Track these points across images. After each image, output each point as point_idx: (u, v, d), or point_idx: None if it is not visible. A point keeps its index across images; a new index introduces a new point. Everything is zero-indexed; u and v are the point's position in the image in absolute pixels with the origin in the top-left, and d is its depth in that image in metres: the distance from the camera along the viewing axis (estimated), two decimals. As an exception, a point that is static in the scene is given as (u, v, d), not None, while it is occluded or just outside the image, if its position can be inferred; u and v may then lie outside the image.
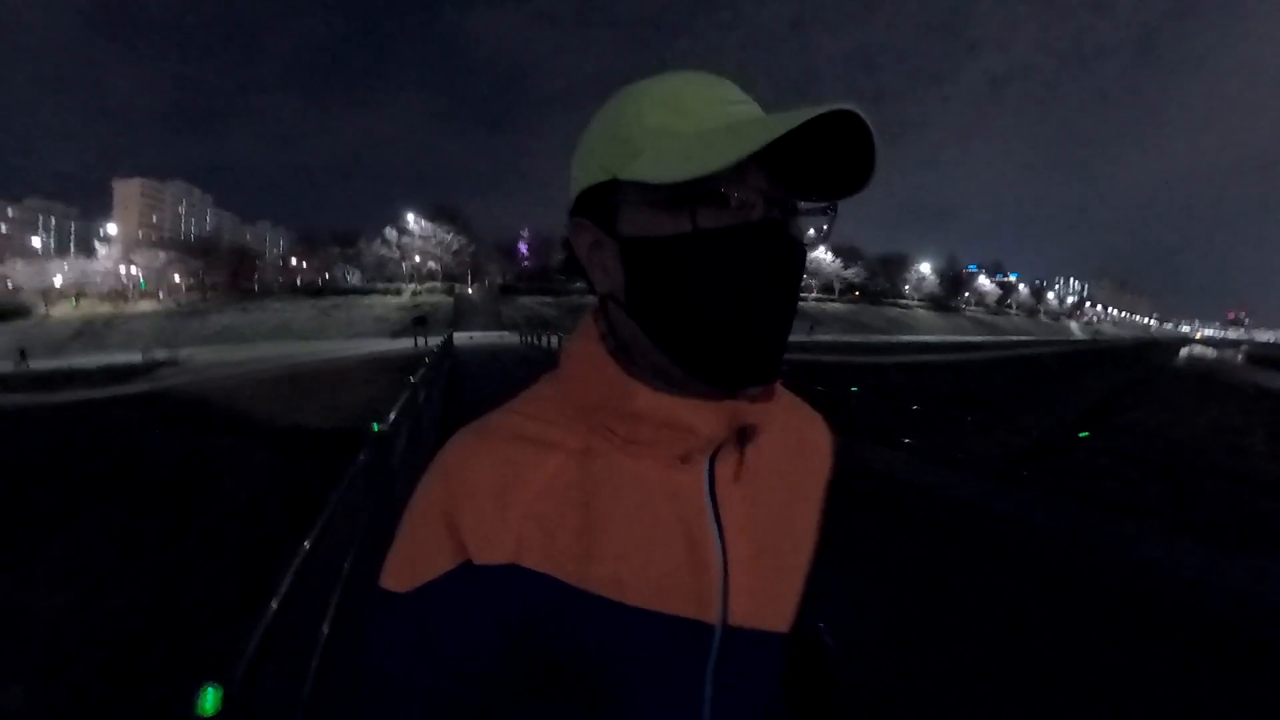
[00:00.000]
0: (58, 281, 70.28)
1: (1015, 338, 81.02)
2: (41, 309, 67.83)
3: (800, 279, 0.45)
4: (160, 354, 32.39)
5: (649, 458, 0.45)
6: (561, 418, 0.46)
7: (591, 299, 0.49)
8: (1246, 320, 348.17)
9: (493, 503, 0.43)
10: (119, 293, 70.70)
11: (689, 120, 0.42)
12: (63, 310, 68.10)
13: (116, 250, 73.44)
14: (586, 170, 0.45)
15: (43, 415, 18.01)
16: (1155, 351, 67.15)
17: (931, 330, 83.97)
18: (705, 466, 0.46)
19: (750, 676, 0.49)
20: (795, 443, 0.55)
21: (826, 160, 0.42)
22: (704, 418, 0.44)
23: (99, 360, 32.96)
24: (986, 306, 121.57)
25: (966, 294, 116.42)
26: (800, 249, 0.44)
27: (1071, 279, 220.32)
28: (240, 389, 20.93)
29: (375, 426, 3.42)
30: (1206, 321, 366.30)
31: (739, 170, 0.39)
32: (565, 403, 0.47)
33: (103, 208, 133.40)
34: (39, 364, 31.71)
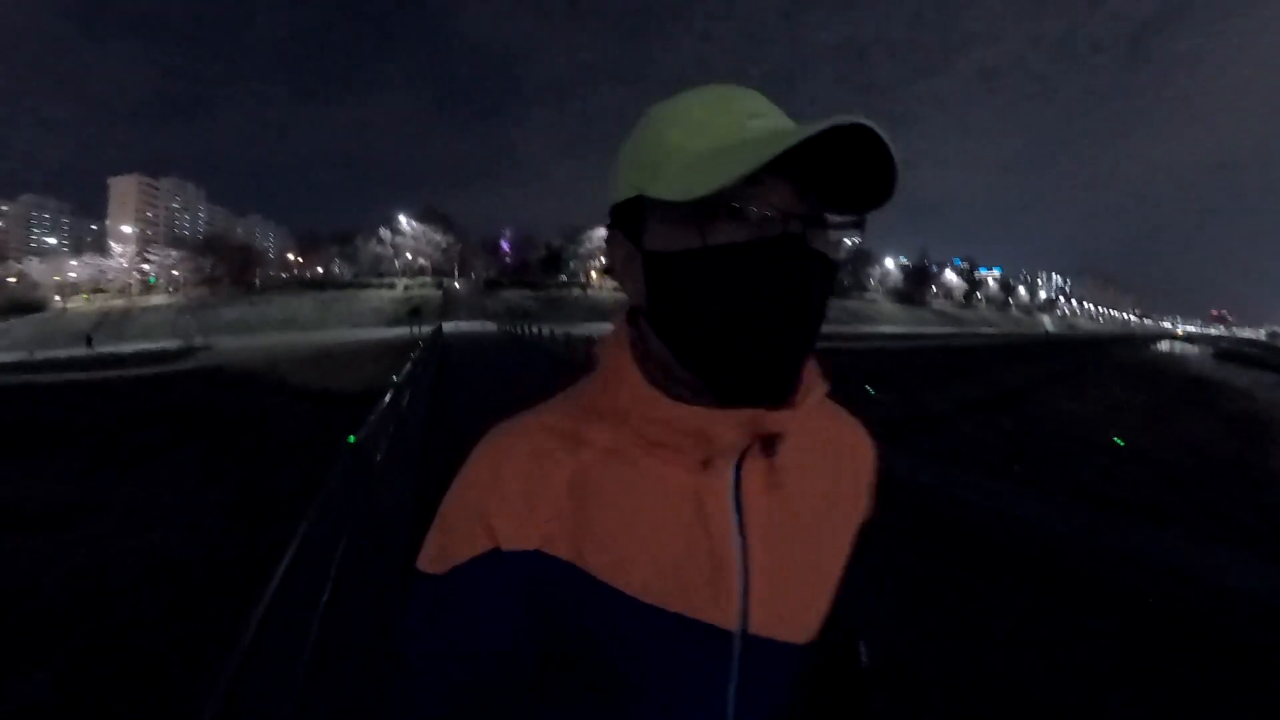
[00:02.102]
0: (72, 277, 74.35)
1: (977, 330, 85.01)
2: (58, 303, 71.78)
3: (823, 293, 0.44)
4: (198, 340, 37.57)
5: (674, 461, 0.45)
6: (592, 418, 0.48)
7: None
8: (1229, 318, 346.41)
9: (522, 493, 0.45)
10: (128, 287, 74.92)
11: (706, 137, 0.42)
12: (78, 304, 71.75)
13: (132, 248, 77.55)
14: (618, 186, 0.47)
15: (124, 385, 21.94)
16: (1121, 345, 64.46)
17: (892, 322, 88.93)
18: (730, 472, 0.46)
19: (775, 684, 0.49)
20: (833, 452, 0.55)
21: (851, 173, 0.41)
22: (722, 425, 0.44)
23: (134, 347, 37.42)
24: (954, 300, 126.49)
25: (934, 288, 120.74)
26: (823, 262, 0.43)
27: (1054, 274, 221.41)
28: (277, 365, 25.16)
29: (351, 439, 2.91)
30: (1190, 318, 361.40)
31: (753, 185, 0.39)
32: (596, 405, 0.48)
33: (96, 203, 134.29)
34: (62, 355, 35.00)
